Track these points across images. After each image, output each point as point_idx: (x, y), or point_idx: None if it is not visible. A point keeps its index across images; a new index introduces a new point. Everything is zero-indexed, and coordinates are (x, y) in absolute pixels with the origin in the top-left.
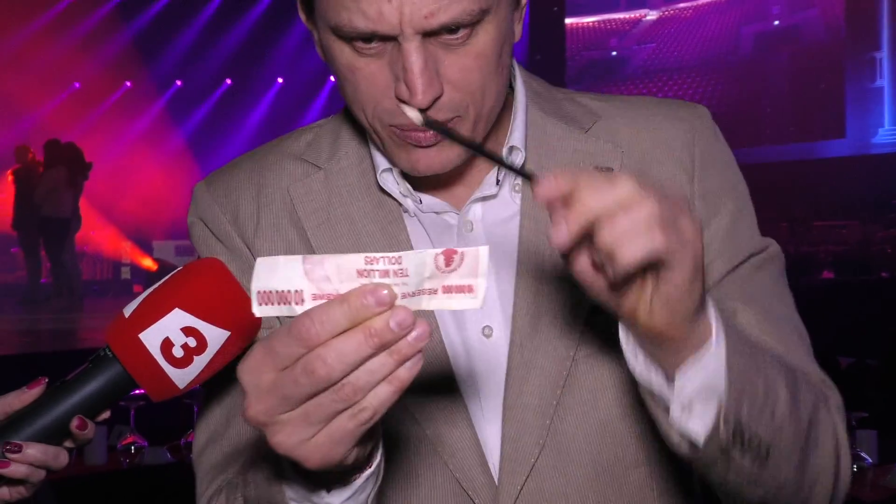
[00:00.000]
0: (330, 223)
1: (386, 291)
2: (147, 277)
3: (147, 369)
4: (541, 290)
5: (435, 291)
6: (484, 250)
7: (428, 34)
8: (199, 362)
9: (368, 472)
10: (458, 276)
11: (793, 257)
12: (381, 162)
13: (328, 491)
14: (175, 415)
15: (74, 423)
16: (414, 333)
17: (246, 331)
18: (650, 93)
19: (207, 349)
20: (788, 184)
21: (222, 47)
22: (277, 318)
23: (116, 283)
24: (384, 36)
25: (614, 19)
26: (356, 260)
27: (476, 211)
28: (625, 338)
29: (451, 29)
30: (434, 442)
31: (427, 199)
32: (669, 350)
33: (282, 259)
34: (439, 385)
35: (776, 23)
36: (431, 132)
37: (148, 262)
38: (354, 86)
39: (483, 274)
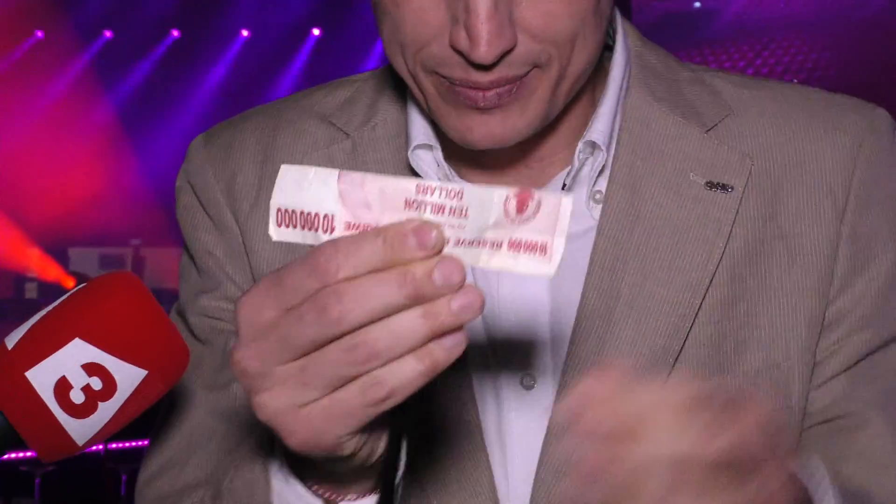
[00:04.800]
0: None
1: (434, 233)
2: (60, 296)
3: (35, 418)
4: (608, 334)
5: (499, 245)
6: (567, 201)
7: None
8: (106, 410)
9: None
10: (530, 230)
11: None
12: (419, 133)
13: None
14: (95, 484)
15: None
16: (460, 300)
17: (168, 370)
18: (743, 58)
19: (117, 393)
20: None
21: None
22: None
23: (19, 303)
24: None
25: None
26: (405, 186)
27: None
28: None
29: None
30: None
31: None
32: None
33: (313, 171)
34: (459, 443)
35: None
36: (494, 90)
37: (61, 276)
38: (396, 22)
39: (563, 232)
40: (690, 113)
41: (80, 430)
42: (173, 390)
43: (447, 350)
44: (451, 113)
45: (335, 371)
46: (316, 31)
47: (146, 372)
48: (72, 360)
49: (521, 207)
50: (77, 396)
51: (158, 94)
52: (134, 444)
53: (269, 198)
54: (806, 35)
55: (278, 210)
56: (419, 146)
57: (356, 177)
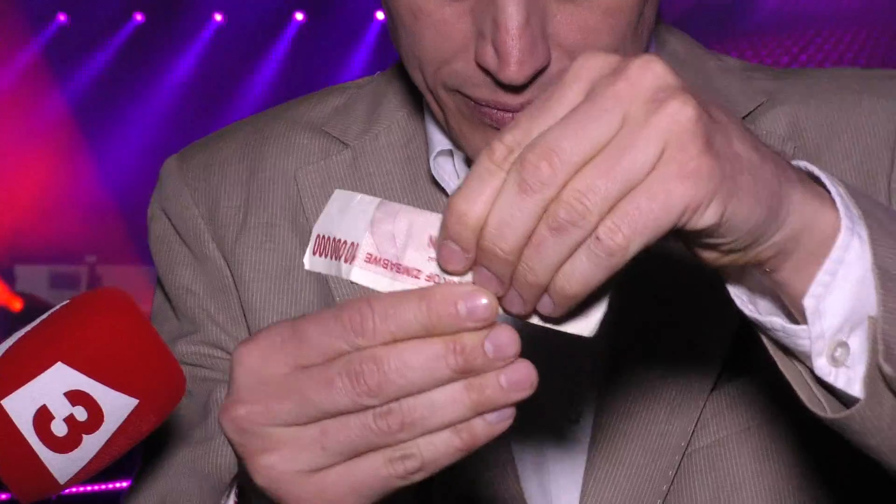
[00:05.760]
0: None
1: (486, 301)
2: (6, 320)
3: (12, 453)
4: (651, 350)
5: None
6: None
7: None
8: (92, 444)
9: None
10: None
11: None
12: (440, 141)
13: None
14: None
15: None
16: (511, 375)
17: (161, 399)
18: (787, 53)
19: (104, 425)
20: None
21: None
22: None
23: None
24: None
25: None
26: (433, 222)
27: None
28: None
29: None
30: None
31: None
32: (780, 277)
33: (358, 197)
34: (494, 482)
35: None
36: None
37: (7, 297)
38: (415, 36)
39: (604, 292)
40: (722, 101)
41: (63, 466)
42: (159, 432)
43: (490, 425)
44: (472, 133)
45: (358, 438)
46: (299, 16)
47: (137, 401)
48: (53, 387)
49: None
50: (59, 428)
51: (119, 88)
52: (90, 488)
53: (258, 220)
54: (857, 28)
55: (318, 237)
56: (440, 153)
57: (393, 207)
